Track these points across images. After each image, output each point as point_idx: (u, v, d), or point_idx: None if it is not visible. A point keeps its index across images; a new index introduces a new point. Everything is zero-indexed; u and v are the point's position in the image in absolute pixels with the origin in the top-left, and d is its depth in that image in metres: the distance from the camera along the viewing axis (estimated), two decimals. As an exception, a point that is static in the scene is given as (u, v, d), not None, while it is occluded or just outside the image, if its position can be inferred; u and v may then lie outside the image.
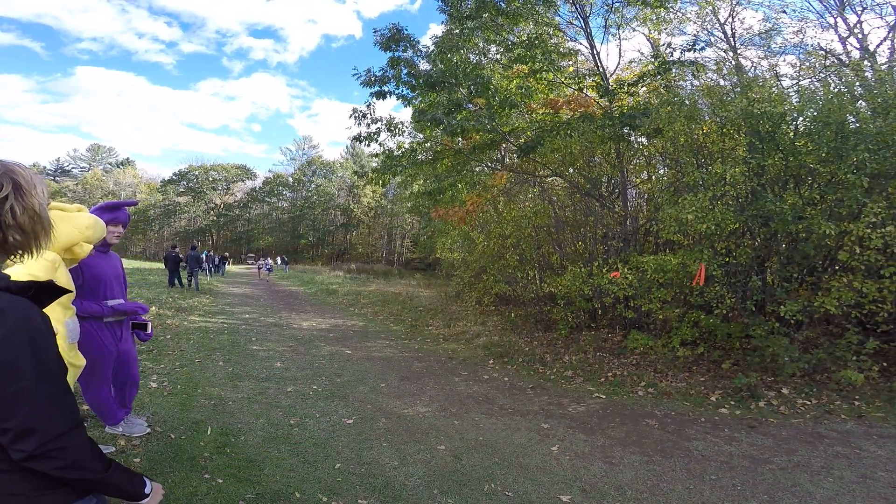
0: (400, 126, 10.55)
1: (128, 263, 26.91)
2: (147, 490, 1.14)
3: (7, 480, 0.95)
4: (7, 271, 1.07)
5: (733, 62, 10.91)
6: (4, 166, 1.03)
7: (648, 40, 11.06)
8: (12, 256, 1.04)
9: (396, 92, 9.94)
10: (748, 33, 12.21)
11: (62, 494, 1.01)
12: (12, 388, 0.91)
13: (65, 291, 1.12)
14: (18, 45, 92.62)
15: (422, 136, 12.74)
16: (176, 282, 16.15)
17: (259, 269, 28.04)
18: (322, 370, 6.19)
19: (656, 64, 8.89)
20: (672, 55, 8.95)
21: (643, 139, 8.82)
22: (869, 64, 8.26)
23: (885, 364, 5.42)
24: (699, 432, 4.25)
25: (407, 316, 11.73)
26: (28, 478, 0.96)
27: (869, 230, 4.99)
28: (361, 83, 9.64)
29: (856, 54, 10.31)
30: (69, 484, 1.00)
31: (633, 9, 9.35)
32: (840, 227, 5.18)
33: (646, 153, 9.08)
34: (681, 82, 8.96)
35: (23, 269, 1.63)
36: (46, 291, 1.08)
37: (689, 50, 8.75)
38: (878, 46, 10.27)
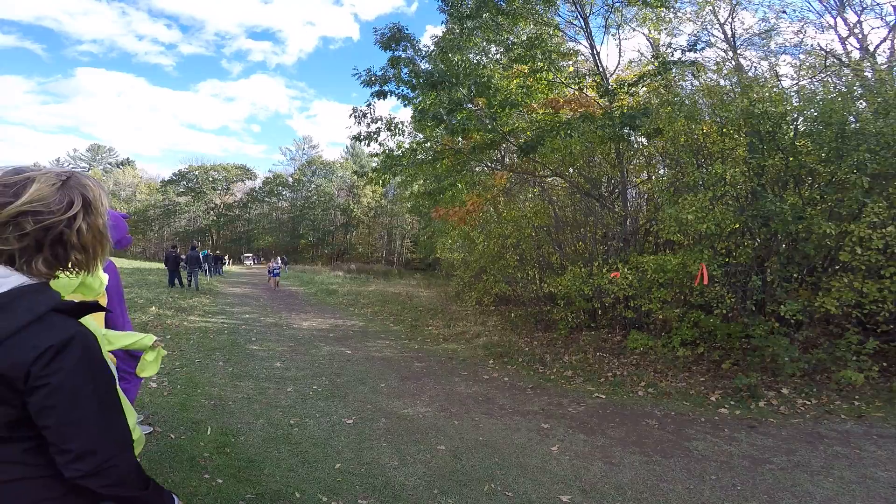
0: (400, 126, 10.54)
1: (128, 263, 26.91)
2: None
3: (41, 486, 0.99)
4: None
5: (733, 62, 10.90)
6: (77, 180, 1.01)
7: (648, 40, 11.05)
8: (68, 273, 1.03)
9: (397, 91, 9.93)
10: (748, 33, 12.22)
11: (88, 499, 1.04)
12: (77, 413, 0.95)
13: (100, 308, 1.12)
14: (19, 46, 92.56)
15: (422, 135, 12.72)
16: (176, 282, 16.14)
17: (270, 273, 20.72)
18: (322, 370, 6.18)
19: (656, 64, 8.88)
20: (672, 55, 8.94)
21: (643, 139, 8.81)
22: (869, 64, 8.25)
23: (885, 364, 5.42)
24: (699, 432, 4.25)
25: (407, 316, 11.73)
26: (58, 484, 0.99)
27: (870, 231, 4.99)
28: (362, 83, 9.63)
29: (856, 54, 10.32)
30: (109, 498, 1.04)
31: (633, 9, 9.34)
32: (840, 228, 5.19)
33: (646, 153, 9.08)
34: (681, 82, 8.95)
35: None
36: (85, 308, 1.09)
37: (689, 50, 8.73)
38: (877, 46, 10.28)
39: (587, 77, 9.45)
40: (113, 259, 3.31)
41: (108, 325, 2.96)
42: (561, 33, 10.01)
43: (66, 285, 1.16)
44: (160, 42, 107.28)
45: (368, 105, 10.06)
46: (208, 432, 3.77)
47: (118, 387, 1.06)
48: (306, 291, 19.03)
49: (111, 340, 1.94)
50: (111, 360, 1.79)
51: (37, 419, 0.95)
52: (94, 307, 1.07)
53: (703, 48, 9.35)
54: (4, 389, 0.92)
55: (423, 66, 9.58)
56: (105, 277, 1.66)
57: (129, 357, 2.96)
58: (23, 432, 0.97)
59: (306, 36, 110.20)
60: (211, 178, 59.73)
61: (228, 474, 3.08)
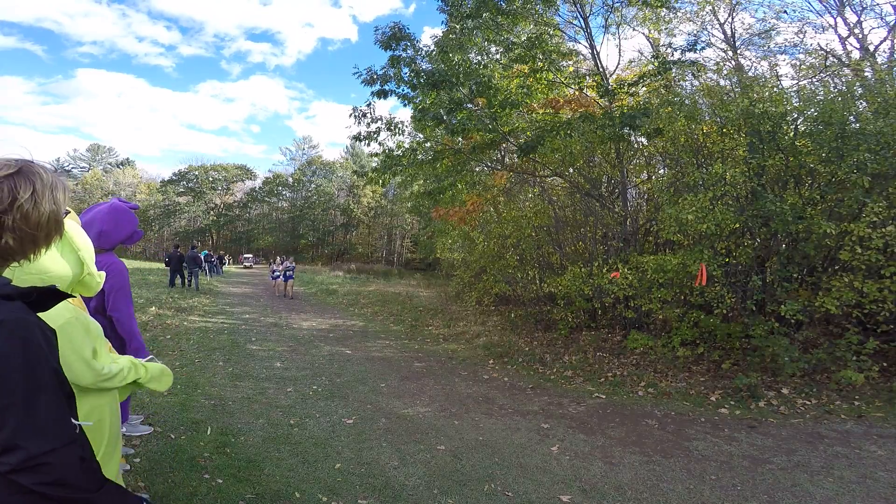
0: (400, 126, 10.55)
1: (127, 263, 26.89)
2: None
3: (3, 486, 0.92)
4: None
5: (733, 62, 10.91)
6: (30, 168, 1.00)
7: (648, 40, 11.05)
8: (12, 263, 1.01)
9: (398, 91, 9.94)
10: (748, 33, 12.23)
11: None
12: (2, 402, 0.88)
13: (68, 295, 1.09)
14: (20, 48, 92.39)
15: (422, 135, 12.72)
16: (177, 281, 16.14)
17: (282, 277, 16.33)
18: (322, 370, 6.18)
19: (656, 64, 8.88)
20: (672, 55, 8.95)
21: (643, 139, 8.81)
22: (869, 64, 8.25)
23: (885, 364, 5.42)
24: (699, 432, 4.25)
25: (407, 316, 11.73)
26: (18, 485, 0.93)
27: (870, 230, 5.00)
28: (362, 82, 9.64)
29: (856, 54, 10.32)
30: (53, 499, 0.94)
31: (633, 9, 9.35)
32: (840, 227, 5.19)
33: (646, 153, 9.08)
34: (681, 82, 8.95)
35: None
36: (49, 295, 1.04)
37: (689, 50, 8.74)
38: (877, 46, 10.28)
39: (587, 77, 9.45)
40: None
41: (116, 327, 2.92)
42: (561, 33, 10.02)
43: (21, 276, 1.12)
44: (160, 43, 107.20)
45: (368, 105, 10.08)
46: (208, 432, 3.76)
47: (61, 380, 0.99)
48: (306, 291, 19.03)
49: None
50: (113, 354, 1.73)
51: None
52: (54, 293, 1.04)
53: (702, 48, 9.37)
54: None
55: (424, 65, 9.59)
56: (102, 276, 1.64)
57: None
58: None
59: (305, 37, 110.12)
60: (211, 178, 59.70)
61: (228, 474, 3.08)
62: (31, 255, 1.02)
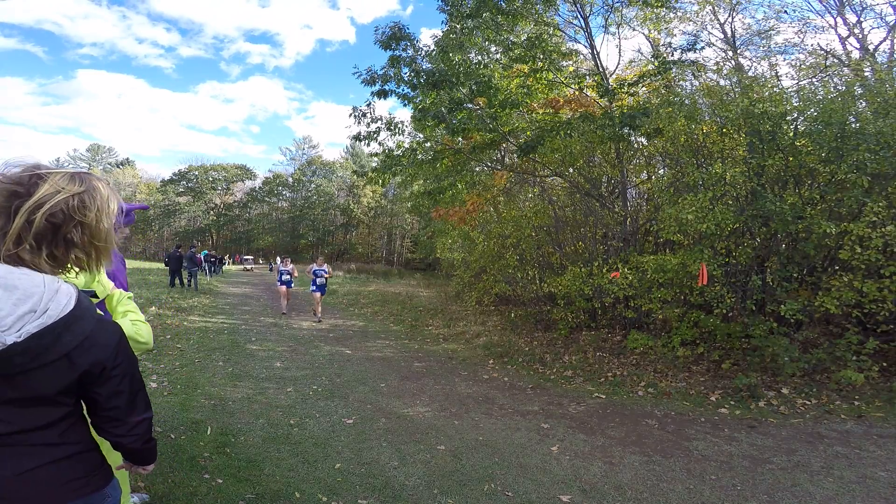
0: (399, 126, 10.55)
1: (127, 263, 26.86)
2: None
3: (70, 468, 1.06)
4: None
5: (733, 62, 10.90)
6: (92, 183, 1.04)
7: (648, 40, 11.04)
8: (82, 272, 1.10)
9: (398, 91, 9.94)
10: (748, 33, 12.22)
11: (104, 471, 1.15)
12: (135, 390, 1.13)
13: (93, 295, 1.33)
14: (21, 49, 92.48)
15: (421, 135, 12.73)
16: (176, 282, 16.13)
17: (284, 282, 12.11)
18: (322, 370, 6.18)
19: (656, 64, 8.88)
20: (672, 55, 8.95)
21: (643, 139, 8.81)
22: (869, 64, 8.24)
23: (885, 364, 5.42)
24: (699, 432, 4.25)
25: (407, 316, 11.73)
26: (84, 463, 1.09)
27: (869, 230, 5.00)
28: (362, 82, 9.63)
29: (856, 54, 10.31)
30: (132, 454, 1.22)
31: (633, 9, 9.34)
32: (840, 227, 5.18)
33: (646, 153, 9.07)
34: (681, 82, 8.94)
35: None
36: None
37: (689, 50, 8.74)
38: (877, 46, 10.28)
39: (587, 77, 9.45)
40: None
41: None
42: (561, 33, 10.02)
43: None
44: (160, 45, 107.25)
45: (368, 105, 10.08)
46: (208, 432, 3.77)
47: None
48: (306, 291, 19.01)
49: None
50: None
51: (106, 402, 1.08)
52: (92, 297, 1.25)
53: (702, 48, 9.37)
54: (77, 382, 1.02)
55: (424, 65, 9.59)
56: (109, 284, 1.68)
57: None
58: (64, 411, 1.05)
59: (303, 39, 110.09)
60: (211, 178, 59.75)
61: (228, 474, 3.08)
62: (99, 267, 1.10)
